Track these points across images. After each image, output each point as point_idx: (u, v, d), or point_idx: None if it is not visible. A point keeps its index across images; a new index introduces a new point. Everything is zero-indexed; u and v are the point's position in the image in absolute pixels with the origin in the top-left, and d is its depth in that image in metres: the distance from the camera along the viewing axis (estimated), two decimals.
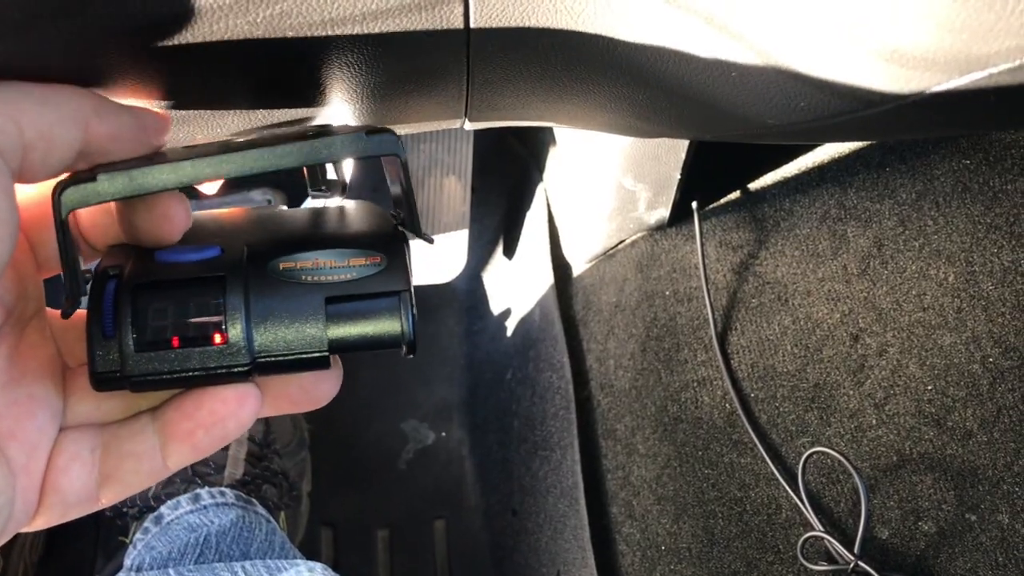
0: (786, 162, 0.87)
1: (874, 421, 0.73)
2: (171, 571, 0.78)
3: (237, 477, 0.93)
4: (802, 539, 0.72)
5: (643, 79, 0.37)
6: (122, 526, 0.92)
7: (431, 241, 0.35)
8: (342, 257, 0.33)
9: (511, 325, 1.14)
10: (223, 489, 0.90)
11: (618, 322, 0.94)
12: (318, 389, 0.34)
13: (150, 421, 0.33)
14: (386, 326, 0.32)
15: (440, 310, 1.24)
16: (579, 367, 0.98)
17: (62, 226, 0.30)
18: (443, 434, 1.16)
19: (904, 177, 0.79)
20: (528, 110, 0.47)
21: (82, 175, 0.30)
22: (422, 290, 1.16)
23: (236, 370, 0.31)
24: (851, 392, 0.75)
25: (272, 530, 0.88)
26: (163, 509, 0.87)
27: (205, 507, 0.87)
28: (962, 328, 0.72)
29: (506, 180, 1.22)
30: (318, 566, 0.79)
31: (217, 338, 0.31)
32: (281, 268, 0.33)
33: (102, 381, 0.31)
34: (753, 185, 0.89)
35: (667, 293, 0.89)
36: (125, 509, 0.90)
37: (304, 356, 0.32)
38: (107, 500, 0.32)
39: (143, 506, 0.90)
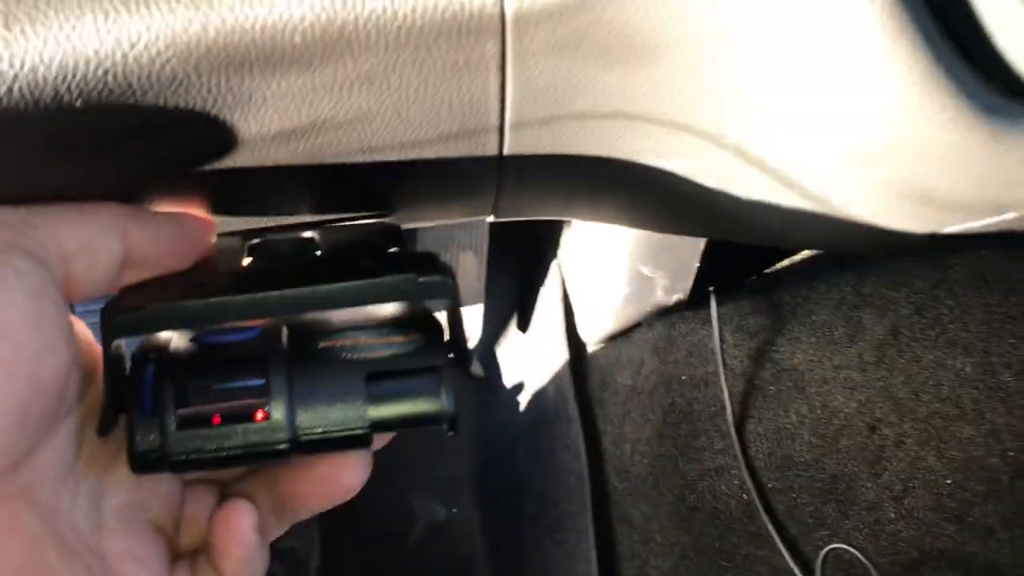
0: (804, 249, 0.88)
1: (893, 515, 0.72)
2: None
3: None
4: None
5: (672, 197, 0.38)
6: None
7: (482, 380, 0.35)
8: (381, 335, 0.33)
9: (524, 400, 1.14)
10: None
11: (634, 405, 0.94)
12: (347, 478, 0.33)
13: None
14: (426, 402, 0.32)
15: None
16: (594, 449, 0.98)
17: (108, 348, 0.31)
18: (454, 510, 1.15)
19: (920, 266, 0.80)
20: (553, 211, 0.47)
21: (133, 302, 0.31)
22: None
23: (278, 448, 0.31)
24: (869, 484, 0.75)
25: None
26: None
27: None
28: (980, 420, 0.71)
29: (521, 254, 1.22)
30: None
31: (259, 415, 0.31)
32: (322, 347, 0.33)
33: (142, 462, 0.31)
34: (770, 270, 0.89)
35: (684, 378, 0.89)
36: None
37: (345, 434, 0.32)
38: None
39: None
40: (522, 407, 1.14)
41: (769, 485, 0.79)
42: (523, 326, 1.20)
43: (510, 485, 1.10)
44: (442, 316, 0.35)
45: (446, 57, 0.26)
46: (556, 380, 1.05)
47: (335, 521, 1.10)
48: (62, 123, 0.25)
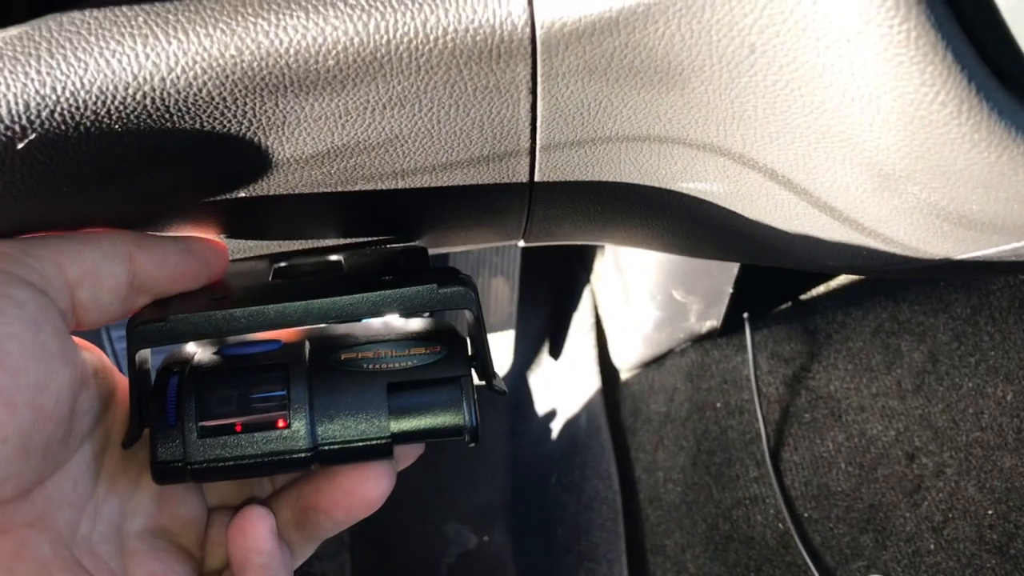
0: (838, 274, 0.87)
1: (932, 546, 0.71)
2: None
3: None
4: None
5: (705, 221, 0.38)
6: None
7: (504, 393, 0.35)
8: (402, 347, 0.34)
9: (556, 427, 1.13)
10: None
11: (667, 433, 0.93)
12: (369, 489, 0.33)
13: None
14: (448, 412, 0.32)
15: (483, 408, 1.22)
16: (627, 477, 0.97)
17: (133, 361, 0.31)
18: (485, 538, 1.14)
19: (959, 291, 0.78)
20: (584, 237, 0.47)
21: (154, 315, 0.31)
22: None
23: (298, 456, 0.31)
24: (908, 514, 0.73)
25: None
26: None
27: None
28: (1022, 449, 0.70)
29: (553, 279, 1.22)
30: None
31: (280, 423, 0.31)
32: (343, 358, 0.33)
33: (164, 472, 0.31)
34: (805, 296, 0.89)
35: (718, 405, 0.88)
36: None
37: (366, 444, 0.32)
38: None
39: None
40: (554, 435, 1.13)
41: (805, 515, 0.78)
42: (555, 353, 1.19)
43: (542, 513, 1.09)
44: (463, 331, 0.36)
45: (477, 79, 0.26)
46: (588, 407, 1.05)
47: (366, 549, 1.10)
48: (101, 147, 0.26)
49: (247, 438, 0.31)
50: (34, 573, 0.27)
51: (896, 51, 0.23)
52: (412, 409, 0.32)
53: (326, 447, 0.32)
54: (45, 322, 0.27)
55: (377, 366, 0.33)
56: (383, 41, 0.25)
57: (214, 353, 0.34)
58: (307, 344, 0.34)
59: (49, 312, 0.27)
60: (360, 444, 0.32)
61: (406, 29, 0.25)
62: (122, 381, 0.34)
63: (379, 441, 0.32)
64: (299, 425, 0.31)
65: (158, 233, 0.33)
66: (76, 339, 0.31)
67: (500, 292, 1.05)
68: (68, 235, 0.30)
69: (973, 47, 0.23)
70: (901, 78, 0.23)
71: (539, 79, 0.27)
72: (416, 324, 0.36)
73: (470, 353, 0.34)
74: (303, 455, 0.32)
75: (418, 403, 0.33)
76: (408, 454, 0.35)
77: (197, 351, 0.34)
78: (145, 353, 0.33)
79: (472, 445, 0.33)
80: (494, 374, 0.35)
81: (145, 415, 0.32)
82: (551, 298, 1.23)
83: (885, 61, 0.23)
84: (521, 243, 0.49)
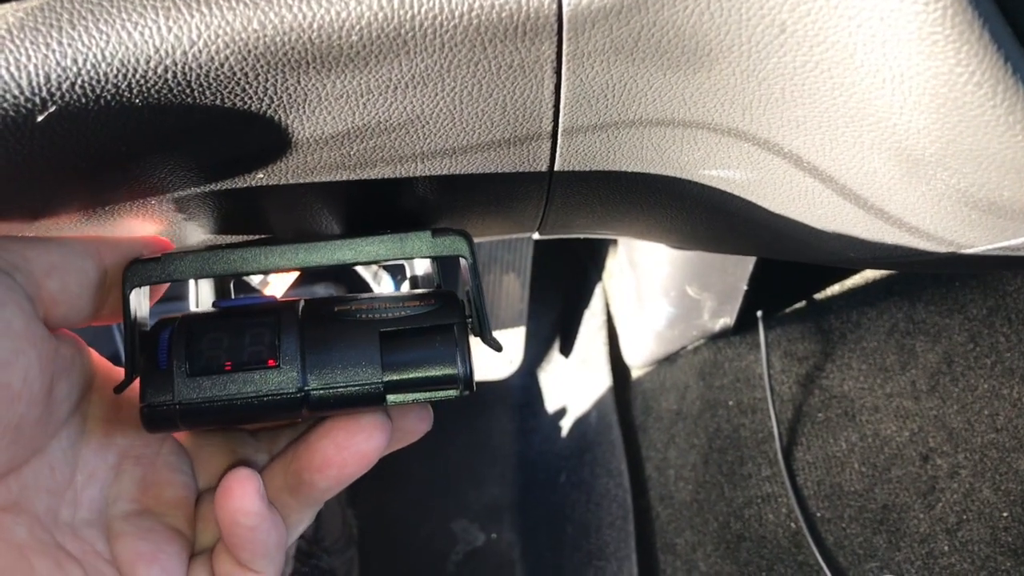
0: (853, 273, 0.86)
1: (946, 548, 0.70)
2: None
3: (286, 575, 0.92)
4: None
5: (726, 211, 0.37)
6: None
7: (499, 348, 0.35)
8: (397, 300, 0.34)
9: (566, 425, 1.13)
10: None
11: (679, 431, 0.93)
12: (362, 442, 0.33)
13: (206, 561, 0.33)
14: (441, 360, 0.32)
15: (493, 406, 1.23)
16: (637, 475, 0.96)
17: (126, 302, 0.31)
18: (493, 536, 1.14)
19: (975, 292, 0.78)
20: (600, 229, 0.47)
21: (150, 256, 0.32)
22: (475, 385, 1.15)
23: (287, 396, 0.31)
24: (921, 515, 0.72)
25: None
26: None
27: None
28: None
29: (564, 276, 1.22)
30: None
31: (270, 362, 0.31)
32: (337, 310, 0.33)
33: (153, 416, 0.31)
34: (819, 295, 0.88)
35: (730, 403, 0.88)
36: None
37: (358, 390, 0.32)
38: None
39: None
40: (564, 432, 1.13)
41: (818, 514, 0.77)
42: (566, 350, 1.19)
43: (551, 511, 1.09)
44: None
45: (501, 58, 0.26)
46: (599, 405, 1.04)
47: (375, 545, 1.09)
48: (121, 122, 0.25)
49: (237, 377, 0.31)
50: (10, 555, 0.27)
51: (931, 30, 0.22)
52: (404, 355, 0.32)
53: (316, 391, 0.31)
54: (9, 300, 0.27)
55: (371, 316, 0.33)
56: (408, 16, 0.25)
57: (211, 307, 0.34)
58: (302, 301, 0.34)
59: (13, 292, 0.28)
60: (352, 389, 0.32)
61: (431, 5, 0.24)
62: (101, 368, 0.34)
63: (371, 387, 0.32)
64: (289, 366, 0.31)
65: (170, 214, 0.33)
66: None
67: (511, 289, 1.05)
68: (33, 236, 0.30)
69: (1010, 27, 0.23)
70: (935, 58, 0.23)
71: (564, 58, 0.26)
72: (411, 285, 0.36)
73: (467, 313, 0.34)
74: (293, 396, 0.31)
75: (410, 349, 0.32)
76: (413, 428, 0.35)
77: (193, 309, 0.35)
78: (141, 295, 0.33)
79: (467, 393, 0.33)
80: (490, 328, 0.34)
81: (137, 365, 0.32)
82: (562, 295, 1.23)
83: (919, 40, 0.23)
84: (536, 235, 0.48)
